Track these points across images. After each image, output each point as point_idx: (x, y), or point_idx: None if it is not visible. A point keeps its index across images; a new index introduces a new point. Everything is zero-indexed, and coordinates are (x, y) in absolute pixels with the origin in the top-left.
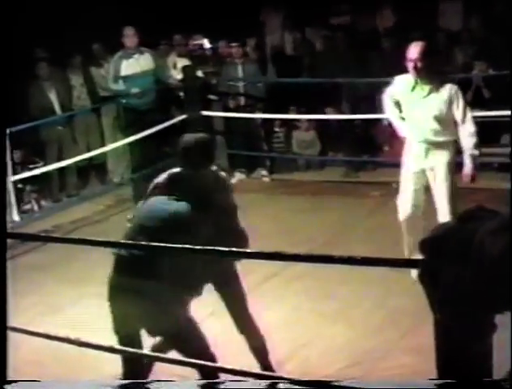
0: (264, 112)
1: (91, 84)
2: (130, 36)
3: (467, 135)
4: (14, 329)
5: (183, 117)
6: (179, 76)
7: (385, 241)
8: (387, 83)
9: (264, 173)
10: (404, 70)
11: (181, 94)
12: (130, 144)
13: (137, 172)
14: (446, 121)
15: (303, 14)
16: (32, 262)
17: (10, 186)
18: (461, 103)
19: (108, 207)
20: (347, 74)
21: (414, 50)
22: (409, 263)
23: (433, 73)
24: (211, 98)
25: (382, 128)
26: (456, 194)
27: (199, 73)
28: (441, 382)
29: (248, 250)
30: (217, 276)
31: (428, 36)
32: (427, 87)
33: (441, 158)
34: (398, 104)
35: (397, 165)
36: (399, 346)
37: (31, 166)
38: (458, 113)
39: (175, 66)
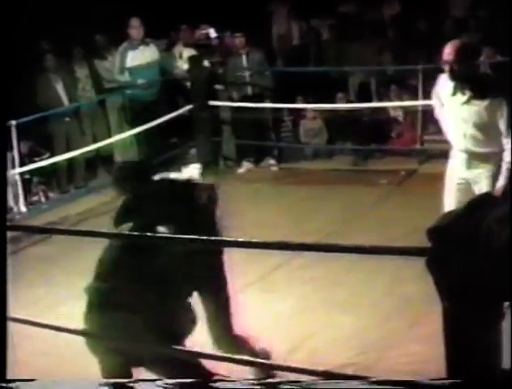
0: (272, 101)
1: (96, 76)
2: (135, 28)
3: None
4: (22, 321)
5: (189, 107)
6: (185, 66)
7: (393, 230)
8: (394, 71)
9: (272, 162)
10: (408, 60)
11: (188, 84)
12: (136, 135)
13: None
14: (489, 131)
15: (309, 3)
16: (40, 254)
17: (17, 178)
18: (505, 111)
19: (116, 198)
20: (352, 63)
21: (449, 50)
22: (417, 251)
23: (472, 76)
24: (217, 88)
25: (390, 117)
26: None
27: (206, 63)
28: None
29: (256, 240)
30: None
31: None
32: (467, 92)
33: (484, 171)
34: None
35: (405, 154)
36: (408, 334)
37: (37, 158)
38: (502, 122)
39: (181, 57)
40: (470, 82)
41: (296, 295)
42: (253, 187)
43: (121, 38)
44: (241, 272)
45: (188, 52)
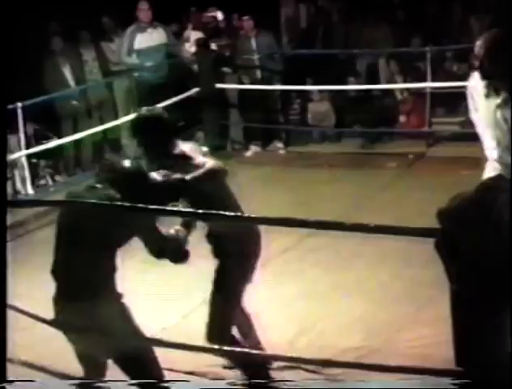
0: (280, 84)
1: (102, 59)
2: (143, 10)
3: None
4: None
5: (196, 90)
6: (193, 49)
7: (402, 212)
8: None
9: (280, 145)
10: (416, 42)
11: (195, 67)
12: None
13: None
14: None
15: None
16: (49, 237)
17: (23, 161)
18: None
19: None
20: (361, 46)
21: (481, 44)
22: (426, 232)
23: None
24: (225, 71)
25: (398, 99)
26: None
27: (213, 46)
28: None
29: (266, 216)
30: None
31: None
32: (502, 94)
33: None
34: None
35: (413, 137)
36: (417, 317)
37: (45, 141)
38: None
39: (189, 40)
40: (505, 81)
41: (304, 278)
42: (260, 170)
43: (129, 21)
44: None
45: (196, 35)
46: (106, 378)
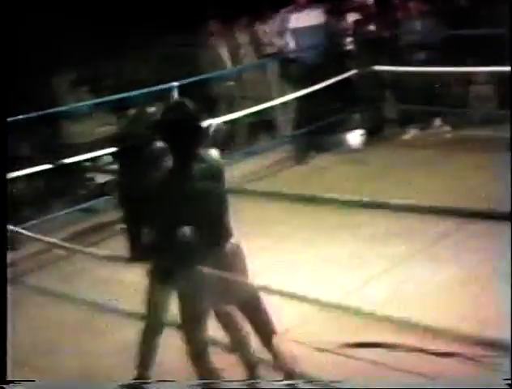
0: (441, 65)
1: (257, 41)
2: None
3: None
4: None
5: (354, 72)
6: (350, 30)
7: None
8: None
9: (446, 127)
10: None
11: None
12: (298, 99)
13: (304, 127)
14: None
15: None
16: None
17: None
18: None
19: (277, 162)
20: None
21: None
22: None
23: None
24: (383, 53)
25: None
26: None
27: (371, 27)
28: None
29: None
30: None
31: None
32: None
33: None
34: None
35: None
36: None
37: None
38: None
39: (344, 21)
40: None
41: (462, 265)
42: (418, 154)
43: (286, 2)
44: (408, 239)
45: (352, 16)
46: None
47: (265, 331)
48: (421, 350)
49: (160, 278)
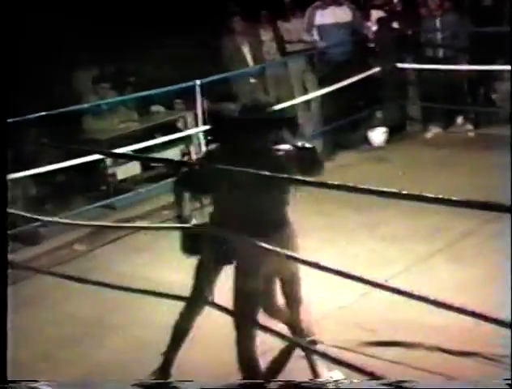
0: (466, 63)
1: (280, 39)
2: None
3: None
4: None
5: (377, 69)
6: (374, 28)
7: None
8: None
9: (469, 126)
10: None
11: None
12: (321, 97)
13: (327, 125)
14: None
15: None
16: None
17: (200, 137)
18: None
19: None
20: None
21: None
22: None
23: None
24: (405, 50)
25: None
26: None
27: (394, 25)
28: None
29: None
30: None
31: None
32: None
33: None
34: None
35: None
36: None
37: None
38: None
39: (369, 18)
40: None
41: (484, 264)
42: (440, 152)
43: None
44: (428, 239)
45: (377, 14)
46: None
47: (295, 299)
48: (440, 349)
49: (216, 257)
